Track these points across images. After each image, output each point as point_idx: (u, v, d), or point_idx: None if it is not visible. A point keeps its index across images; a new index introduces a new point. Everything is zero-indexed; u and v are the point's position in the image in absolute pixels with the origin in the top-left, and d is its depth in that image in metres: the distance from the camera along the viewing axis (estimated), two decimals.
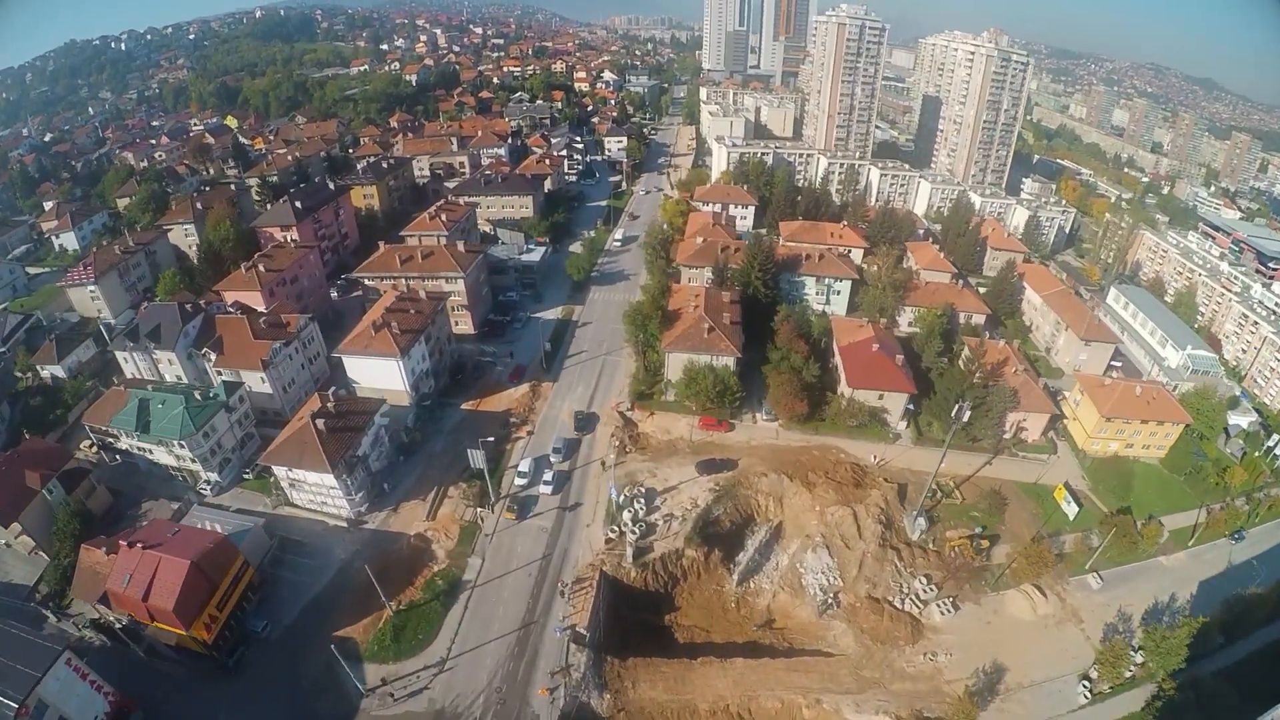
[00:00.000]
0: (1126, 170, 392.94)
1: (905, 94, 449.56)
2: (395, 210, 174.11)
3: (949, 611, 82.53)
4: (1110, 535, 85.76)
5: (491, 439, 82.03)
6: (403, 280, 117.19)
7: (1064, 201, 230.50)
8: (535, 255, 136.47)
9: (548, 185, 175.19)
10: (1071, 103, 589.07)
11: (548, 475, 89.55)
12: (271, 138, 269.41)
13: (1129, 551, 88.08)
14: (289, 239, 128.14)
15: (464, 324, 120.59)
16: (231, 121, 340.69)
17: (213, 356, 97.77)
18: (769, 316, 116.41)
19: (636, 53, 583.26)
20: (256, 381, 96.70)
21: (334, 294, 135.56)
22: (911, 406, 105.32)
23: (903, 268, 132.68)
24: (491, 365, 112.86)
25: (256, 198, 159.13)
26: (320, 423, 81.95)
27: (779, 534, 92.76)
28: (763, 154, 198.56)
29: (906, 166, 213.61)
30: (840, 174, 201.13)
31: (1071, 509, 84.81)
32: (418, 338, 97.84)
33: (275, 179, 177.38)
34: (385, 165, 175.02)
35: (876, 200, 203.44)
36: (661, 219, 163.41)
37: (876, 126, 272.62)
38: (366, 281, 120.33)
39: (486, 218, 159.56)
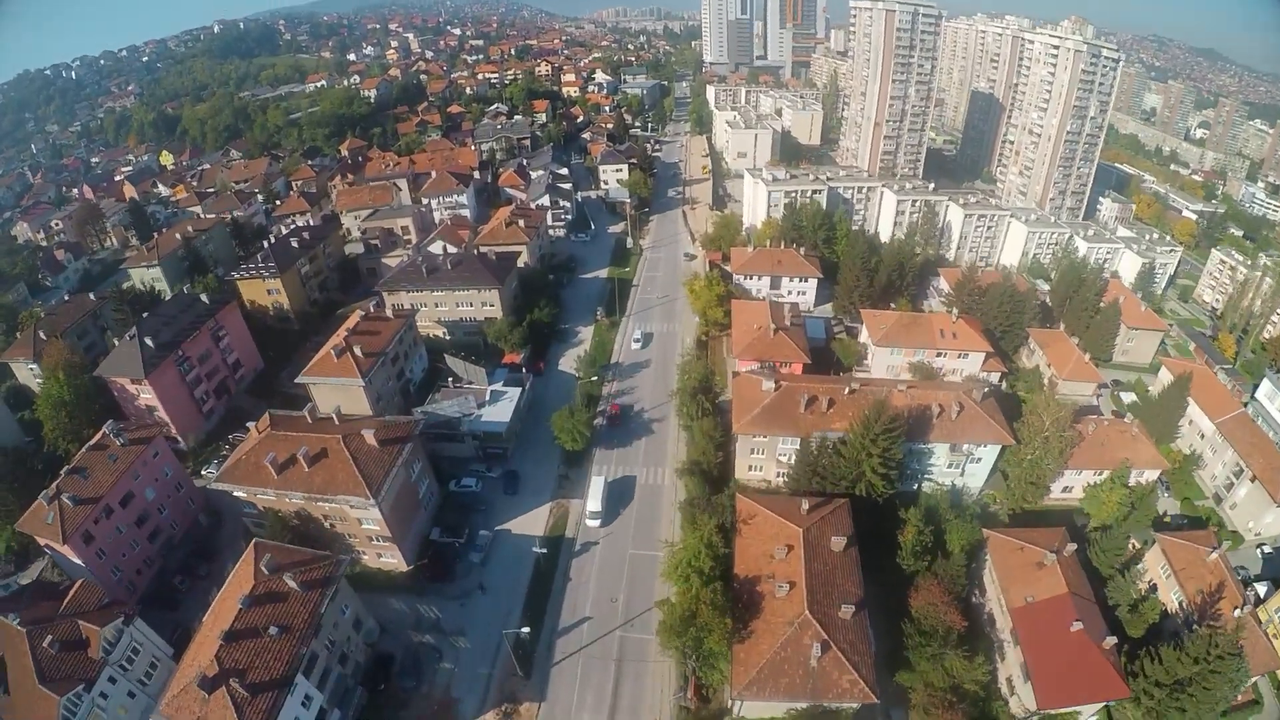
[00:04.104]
0: (1172, 167, 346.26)
1: None
2: (318, 304, 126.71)
3: None
4: None
5: None
6: (287, 498, 69.99)
7: (1168, 237, 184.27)
8: (504, 406, 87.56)
9: (523, 258, 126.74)
10: None
11: None
12: (195, 182, 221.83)
13: None
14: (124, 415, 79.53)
15: (390, 556, 73.17)
16: (166, 158, 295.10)
17: None
18: (885, 528, 69.91)
19: (630, 47, 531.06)
20: None
21: (209, 472, 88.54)
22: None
23: (1068, 412, 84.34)
24: (436, 656, 65.22)
25: (115, 315, 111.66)
26: None
27: None
28: (814, 193, 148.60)
29: (994, 202, 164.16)
30: (915, 215, 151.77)
31: None
32: (287, 690, 50.48)
33: (155, 270, 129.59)
34: (299, 242, 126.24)
35: (958, 248, 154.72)
36: (693, 307, 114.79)
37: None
38: (236, 494, 72.78)
39: (437, 318, 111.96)
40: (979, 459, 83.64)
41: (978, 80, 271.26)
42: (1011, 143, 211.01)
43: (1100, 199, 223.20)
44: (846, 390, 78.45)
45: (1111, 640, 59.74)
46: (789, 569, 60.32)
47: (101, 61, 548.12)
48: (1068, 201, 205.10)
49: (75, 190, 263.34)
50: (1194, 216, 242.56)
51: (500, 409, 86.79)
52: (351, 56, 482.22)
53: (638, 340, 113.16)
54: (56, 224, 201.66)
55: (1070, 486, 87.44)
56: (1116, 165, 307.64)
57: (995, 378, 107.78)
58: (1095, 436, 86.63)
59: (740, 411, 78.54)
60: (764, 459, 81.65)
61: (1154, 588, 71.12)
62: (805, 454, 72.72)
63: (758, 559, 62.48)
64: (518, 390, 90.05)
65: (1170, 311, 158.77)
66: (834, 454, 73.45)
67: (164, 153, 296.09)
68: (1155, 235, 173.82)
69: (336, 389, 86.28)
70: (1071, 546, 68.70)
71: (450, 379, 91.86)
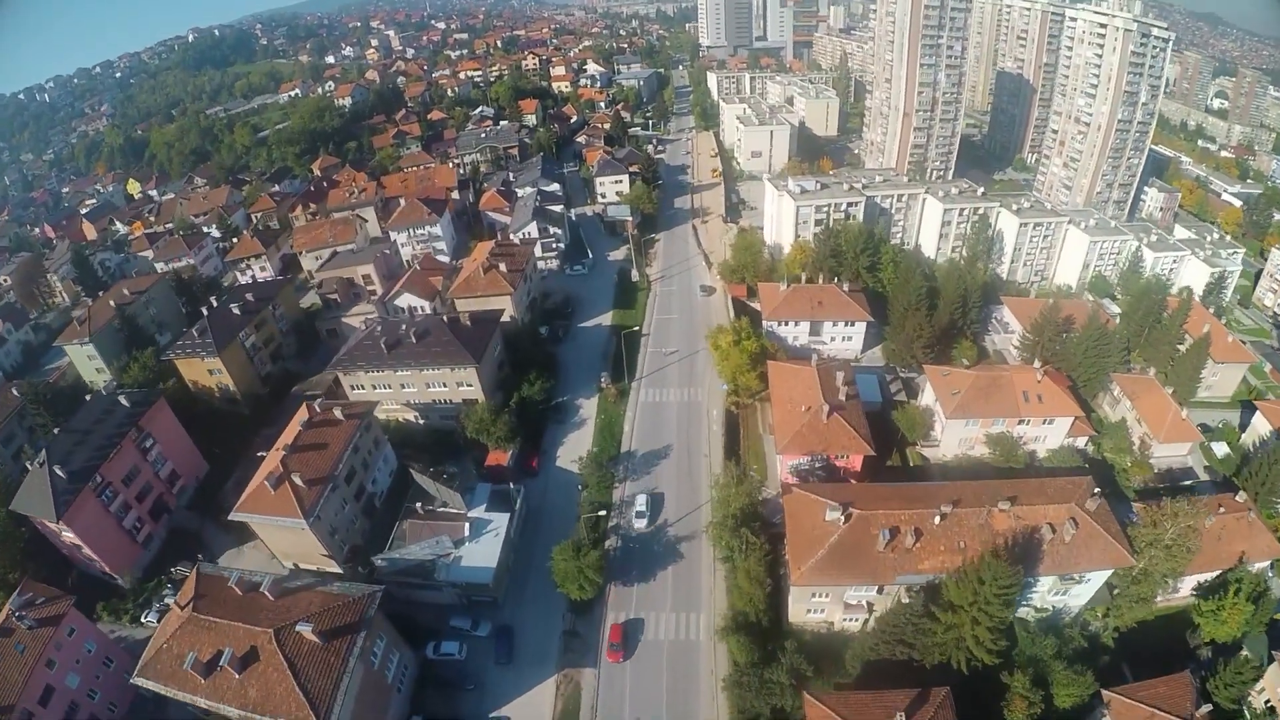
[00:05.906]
0: (1200, 143, 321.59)
1: None
2: (270, 379, 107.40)
3: None
4: None
5: None
6: (219, 709, 52.17)
7: (1228, 237, 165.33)
8: (489, 544, 67.81)
9: (509, 311, 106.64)
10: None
11: None
12: (152, 218, 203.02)
13: None
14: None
15: None
16: (133, 186, 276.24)
17: None
18: (978, 684, 52.76)
19: (622, 33, 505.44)
20: None
21: (149, 620, 71.82)
22: None
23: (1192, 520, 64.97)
24: None
25: (35, 417, 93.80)
26: None
27: None
28: (850, 206, 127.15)
29: (1048, 205, 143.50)
30: (963, 224, 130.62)
31: None
32: None
33: (87, 347, 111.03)
34: (241, 307, 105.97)
35: (1011, 262, 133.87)
36: (720, 373, 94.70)
37: None
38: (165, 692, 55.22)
39: (405, 400, 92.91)
40: (1088, 579, 64.90)
41: (1003, 59, 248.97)
42: (1055, 131, 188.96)
43: (1145, 188, 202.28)
44: (936, 518, 59.04)
45: None
46: None
47: (75, 80, 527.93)
48: (1114, 194, 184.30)
49: (38, 230, 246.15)
50: (1235, 201, 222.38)
51: (484, 548, 67.61)
52: (330, 59, 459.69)
53: (642, 514, 77.24)
54: (4, 280, 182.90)
55: (1178, 588, 71.28)
56: (1152, 147, 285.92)
57: (1082, 442, 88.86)
58: (1212, 531, 69.39)
59: (798, 551, 59.09)
60: (827, 602, 62.64)
61: (1272, 710, 59.70)
62: (893, 622, 53.72)
63: None
64: (505, 517, 70.83)
65: (1235, 322, 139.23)
66: (928, 617, 54.44)
67: (130, 181, 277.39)
68: (1216, 235, 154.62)
69: (279, 528, 68.07)
70: (1206, 708, 52.37)
71: (419, 503, 72.68)
